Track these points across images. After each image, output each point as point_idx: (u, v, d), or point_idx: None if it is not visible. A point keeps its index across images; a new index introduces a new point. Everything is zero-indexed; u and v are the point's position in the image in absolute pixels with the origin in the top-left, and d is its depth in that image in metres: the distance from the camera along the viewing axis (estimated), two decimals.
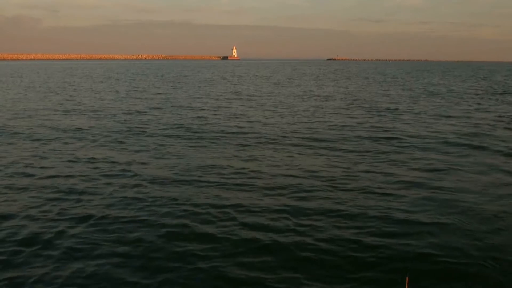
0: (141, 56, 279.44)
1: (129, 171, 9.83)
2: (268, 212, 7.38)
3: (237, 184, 8.81)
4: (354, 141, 13.18)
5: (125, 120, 17.54)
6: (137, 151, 11.90)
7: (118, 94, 29.92)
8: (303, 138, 13.67)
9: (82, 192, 8.43)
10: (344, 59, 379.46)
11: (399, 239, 6.46)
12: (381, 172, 9.82)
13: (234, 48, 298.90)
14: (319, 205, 7.75)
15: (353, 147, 12.31)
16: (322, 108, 22.38)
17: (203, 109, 20.81)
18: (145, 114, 18.93)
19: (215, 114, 18.88)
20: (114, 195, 8.23)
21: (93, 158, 11.03)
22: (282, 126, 15.85)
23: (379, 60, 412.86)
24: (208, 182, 9.01)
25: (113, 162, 10.72)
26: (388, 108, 22.27)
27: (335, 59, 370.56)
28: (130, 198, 8.09)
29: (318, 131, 14.88)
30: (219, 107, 21.94)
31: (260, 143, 12.83)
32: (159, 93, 31.05)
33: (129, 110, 20.93)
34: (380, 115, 19.36)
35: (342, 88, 37.29)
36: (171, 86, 37.76)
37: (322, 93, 31.39)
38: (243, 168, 9.89)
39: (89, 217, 7.19)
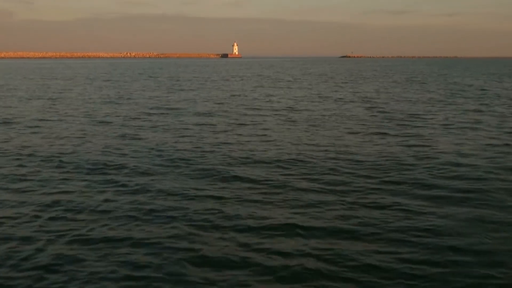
0: (130, 54, 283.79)
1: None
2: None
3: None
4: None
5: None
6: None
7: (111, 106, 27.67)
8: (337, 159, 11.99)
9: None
10: (360, 57, 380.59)
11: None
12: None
13: (235, 44, 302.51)
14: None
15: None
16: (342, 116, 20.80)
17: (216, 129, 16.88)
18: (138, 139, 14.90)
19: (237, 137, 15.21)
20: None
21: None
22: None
23: (400, 57, 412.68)
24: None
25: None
26: (415, 115, 20.77)
27: (349, 57, 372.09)
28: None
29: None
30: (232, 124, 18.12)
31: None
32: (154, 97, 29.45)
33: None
34: (405, 125, 17.77)
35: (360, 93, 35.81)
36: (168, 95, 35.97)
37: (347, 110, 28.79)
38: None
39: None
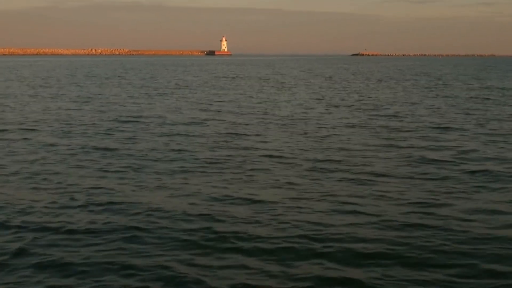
0: (96, 50, 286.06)
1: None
2: None
3: None
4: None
5: None
6: None
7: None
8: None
9: None
10: (375, 55, 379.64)
11: None
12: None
13: (224, 39, 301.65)
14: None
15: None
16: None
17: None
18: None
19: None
20: None
21: None
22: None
23: (424, 55, 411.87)
24: None
25: None
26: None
27: (362, 55, 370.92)
28: None
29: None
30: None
31: None
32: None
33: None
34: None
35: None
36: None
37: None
38: None
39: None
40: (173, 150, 16.15)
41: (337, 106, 29.31)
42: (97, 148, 16.45)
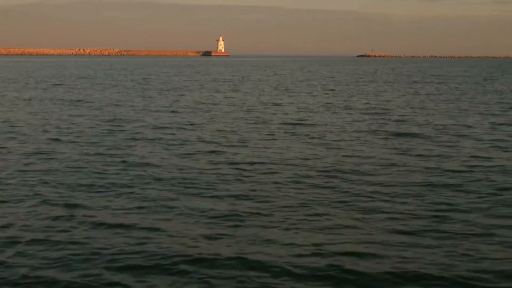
0: (84, 50, 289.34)
1: None
2: None
3: None
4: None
5: None
6: None
7: None
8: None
9: None
10: (383, 56, 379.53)
11: None
12: None
13: (221, 39, 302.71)
14: None
15: None
16: None
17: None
18: None
19: None
20: None
21: None
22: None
23: (435, 56, 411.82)
24: None
25: None
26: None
27: (369, 56, 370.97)
28: None
29: None
30: None
31: None
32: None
33: None
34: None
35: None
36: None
37: None
38: None
39: None
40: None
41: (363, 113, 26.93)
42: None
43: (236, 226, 10.13)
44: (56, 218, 10.46)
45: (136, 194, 12.27)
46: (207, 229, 9.93)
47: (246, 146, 18.39)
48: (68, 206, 11.24)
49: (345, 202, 11.66)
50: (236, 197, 12.14)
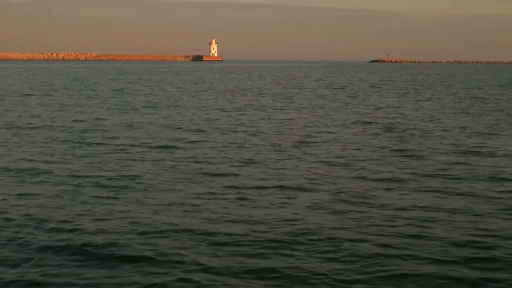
0: (57, 54, 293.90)
1: None
2: None
3: None
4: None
5: None
6: None
7: None
8: None
9: None
10: (399, 61, 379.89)
11: None
12: None
13: (213, 41, 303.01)
14: None
15: None
16: None
17: None
18: None
19: None
20: None
21: None
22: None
23: (459, 62, 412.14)
24: None
25: None
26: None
27: (384, 61, 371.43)
28: None
29: None
30: None
31: None
32: None
33: None
34: None
35: None
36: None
37: None
38: None
39: None
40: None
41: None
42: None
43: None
44: None
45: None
46: None
47: None
48: None
49: None
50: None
